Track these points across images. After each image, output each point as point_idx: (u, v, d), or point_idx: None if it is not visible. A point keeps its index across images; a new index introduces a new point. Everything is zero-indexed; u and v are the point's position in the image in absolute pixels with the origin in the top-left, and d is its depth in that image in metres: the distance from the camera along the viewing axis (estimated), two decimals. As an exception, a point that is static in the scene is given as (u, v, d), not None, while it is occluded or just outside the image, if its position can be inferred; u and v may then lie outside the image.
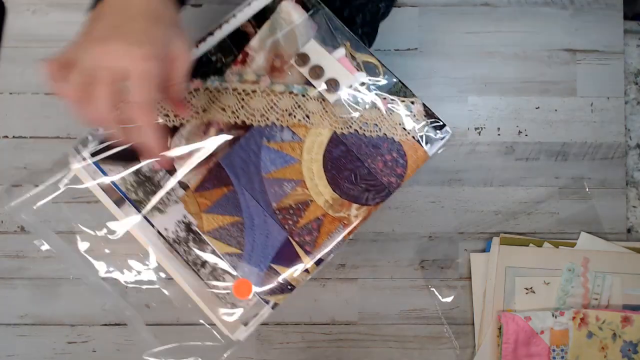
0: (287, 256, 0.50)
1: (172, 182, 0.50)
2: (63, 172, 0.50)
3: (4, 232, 0.64)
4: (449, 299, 0.64)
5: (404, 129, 0.51)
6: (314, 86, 0.51)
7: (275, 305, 0.50)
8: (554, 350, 0.61)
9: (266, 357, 0.64)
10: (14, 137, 0.65)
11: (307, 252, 0.50)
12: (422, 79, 0.66)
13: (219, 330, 0.50)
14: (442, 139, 0.51)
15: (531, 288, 0.63)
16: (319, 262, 0.50)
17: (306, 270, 0.50)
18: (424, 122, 0.51)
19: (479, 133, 0.66)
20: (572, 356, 0.61)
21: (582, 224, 0.65)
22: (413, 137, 0.51)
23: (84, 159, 0.49)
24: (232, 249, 0.50)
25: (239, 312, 0.49)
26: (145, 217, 0.49)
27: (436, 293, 0.64)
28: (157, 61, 0.39)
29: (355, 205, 0.50)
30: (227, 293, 0.49)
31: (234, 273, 0.49)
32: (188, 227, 0.50)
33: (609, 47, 0.67)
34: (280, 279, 0.50)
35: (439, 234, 0.65)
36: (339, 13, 0.55)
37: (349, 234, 0.51)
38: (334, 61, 0.51)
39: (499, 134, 0.66)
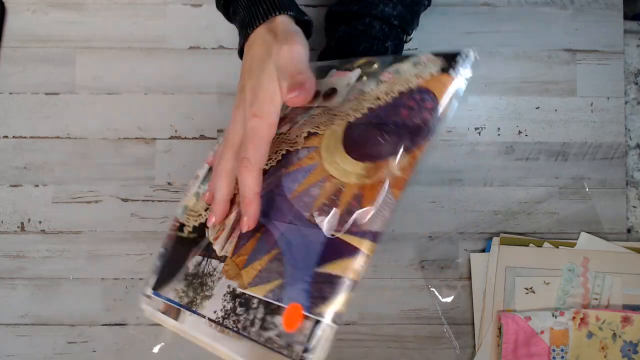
0: (334, 251, 0.40)
1: (214, 263, 0.45)
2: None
3: (4, 232, 0.64)
4: (449, 299, 0.64)
5: (417, 76, 0.44)
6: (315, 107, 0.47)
7: (337, 316, 0.39)
8: (554, 350, 0.61)
9: (266, 357, 0.64)
10: (14, 137, 0.65)
11: (357, 234, 0.39)
12: (422, 79, 0.66)
13: None
14: (465, 58, 0.43)
15: (531, 288, 0.63)
16: (375, 239, 0.39)
17: (364, 255, 0.39)
18: (439, 61, 0.44)
19: (479, 133, 0.66)
20: (572, 356, 0.61)
21: (582, 224, 0.65)
22: (430, 74, 0.43)
23: (149, 297, 0.47)
24: (272, 284, 0.41)
25: (298, 349, 0.39)
26: (196, 312, 0.44)
27: (436, 293, 0.64)
28: (264, 117, 0.42)
29: (393, 159, 0.40)
30: (280, 335, 0.39)
31: (282, 305, 0.40)
32: (233, 294, 0.43)
33: (609, 47, 0.67)
34: (331, 278, 0.39)
35: (439, 234, 0.65)
36: (356, 19, 0.54)
37: (397, 188, 0.40)
38: (328, 79, 0.48)
39: (499, 134, 0.66)
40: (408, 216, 0.65)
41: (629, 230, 0.66)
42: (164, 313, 0.46)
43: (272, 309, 0.41)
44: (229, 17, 0.51)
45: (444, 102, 0.42)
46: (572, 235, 0.65)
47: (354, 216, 0.40)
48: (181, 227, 0.50)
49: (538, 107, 0.66)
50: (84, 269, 0.64)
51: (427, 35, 0.66)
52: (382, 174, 0.41)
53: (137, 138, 0.65)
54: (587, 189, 0.66)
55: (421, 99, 0.42)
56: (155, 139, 0.65)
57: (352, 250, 0.39)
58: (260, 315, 0.41)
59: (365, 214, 0.39)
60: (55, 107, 0.65)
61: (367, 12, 0.55)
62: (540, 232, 0.65)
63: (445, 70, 0.43)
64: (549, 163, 0.66)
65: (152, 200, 0.65)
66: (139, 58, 0.66)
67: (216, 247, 0.46)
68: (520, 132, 0.66)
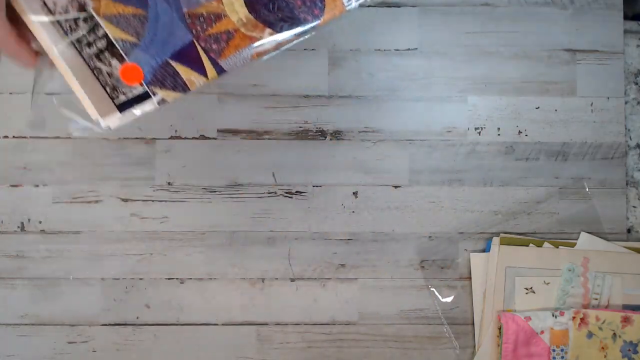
0: (188, 57, 0.49)
1: None
2: None
3: (4, 232, 0.64)
4: (449, 299, 0.64)
5: None
6: None
7: (162, 101, 0.48)
8: (554, 350, 0.61)
9: (266, 357, 0.64)
10: (14, 137, 0.65)
11: (211, 59, 0.49)
12: (422, 79, 0.66)
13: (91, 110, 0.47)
14: None
15: (531, 288, 0.63)
16: (220, 72, 0.49)
17: (205, 76, 0.49)
18: None
19: (479, 133, 0.66)
20: (572, 356, 0.61)
21: (582, 224, 0.65)
22: None
23: None
24: (127, 36, 0.47)
25: (122, 97, 0.47)
26: None
27: (436, 293, 0.64)
28: None
29: (268, 30, 0.50)
30: (111, 76, 0.47)
31: (125, 58, 0.46)
32: (81, 7, 0.47)
33: (609, 47, 0.67)
34: (175, 74, 0.48)
35: (439, 234, 0.65)
36: None
37: (258, 54, 0.50)
38: None
39: (499, 134, 0.66)
40: (408, 216, 0.65)
41: (629, 230, 0.66)
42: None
43: (113, 52, 0.47)
44: None
45: (326, 19, 0.50)
46: (572, 235, 0.65)
47: (217, 45, 0.49)
48: None
49: (538, 107, 0.66)
50: (84, 269, 0.64)
51: (428, 35, 0.66)
52: (255, 35, 0.49)
53: (137, 138, 0.65)
54: (587, 189, 0.66)
55: (315, 2, 0.50)
56: (155, 139, 0.65)
57: (201, 68, 0.48)
58: (101, 45, 0.47)
59: (226, 50, 0.49)
60: (56, 107, 0.65)
61: None
62: (540, 232, 0.65)
63: None
64: (549, 163, 0.66)
65: (152, 200, 0.65)
66: (138, 58, 0.66)
67: None
68: (520, 132, 0.66)
